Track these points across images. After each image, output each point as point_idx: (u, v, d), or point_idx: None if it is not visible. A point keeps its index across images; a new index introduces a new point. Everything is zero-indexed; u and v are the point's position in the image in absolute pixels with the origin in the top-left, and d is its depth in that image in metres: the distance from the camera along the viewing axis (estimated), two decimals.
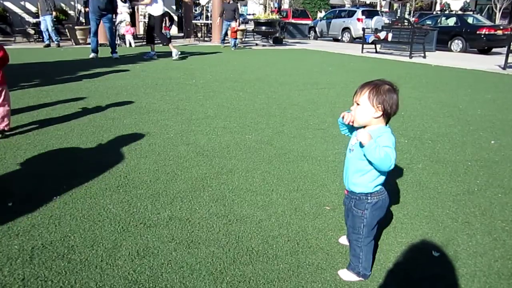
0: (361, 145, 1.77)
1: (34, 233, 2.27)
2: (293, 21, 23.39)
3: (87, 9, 10.62)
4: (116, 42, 13.80)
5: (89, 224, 2.38)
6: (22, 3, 16.34)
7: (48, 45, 12.80)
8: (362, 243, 1.95)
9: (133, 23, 14.52)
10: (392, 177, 3.21)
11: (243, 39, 17.07)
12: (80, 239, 2.22)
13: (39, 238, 2.22)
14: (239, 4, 16.24)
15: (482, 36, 15.19)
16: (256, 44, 16.32)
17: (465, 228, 2.48)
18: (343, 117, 1.92)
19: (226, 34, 14.97)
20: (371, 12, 22.28)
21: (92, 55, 10.05)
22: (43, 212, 2.49)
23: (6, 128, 3.88)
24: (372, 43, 14.36)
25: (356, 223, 1.95)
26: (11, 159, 3.33)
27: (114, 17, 10.88)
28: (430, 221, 2.56)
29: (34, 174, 3.04)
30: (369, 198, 1.89)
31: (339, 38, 21.41)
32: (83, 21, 14.96)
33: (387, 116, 1.85)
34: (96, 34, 10.03)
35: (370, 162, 1.79)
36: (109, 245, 2.18)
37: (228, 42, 14.99)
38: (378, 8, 41.50)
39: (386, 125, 1.87)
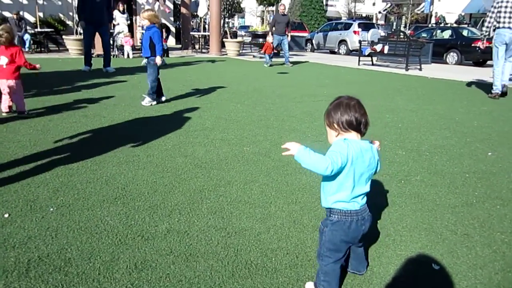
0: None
1: (30, 245, 2.24)
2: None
3: (77, 28, 10.32)
4: (114, 53, 13.91)
5: (86, 237, 2.36)
6: (21, 13, 16.39)
7: None
8: (322, 261, 1.89)
9: (131, 34, 14.59)
10: (391, 189, 3.21)
11: (240, 51, 17.13)
12: (77, 252, 2.20)
13: (35, 251, 2.20)
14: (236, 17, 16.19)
15: (477, 48, 15.32)
16: (254, 56, 16.41)
17: (464, 240, 2.48)
18: None
19: (276, 50, 13.69)
20: (367, 25, 22.48)
21: (85, 67, 9.74)
22: (39, 224, 2.47)
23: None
24: (368, 55, 14.46)
25: (319, 239, 1.92)
26: (8, 170, 3.31)
27: (112, 27, 10.87)
28: (429, 234, 2.55)
29: (31, 185, 3.02)
30: (331, 215, 1.86)
31: (336, 50, 21.58)
32: (82, 31, 15.03)
33: (351, 129, 1.81)
34: (90, 46, 9.87)
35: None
36: (106, 258, 2.15)
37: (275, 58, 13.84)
38: (374, 21, 41.93)
39: (361, 136, 1.85)
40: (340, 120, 1.80)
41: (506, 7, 7.45)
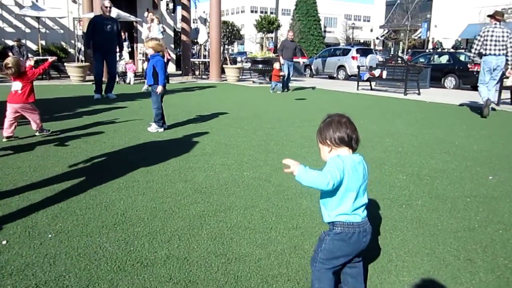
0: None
1: (28, 273, 2.21)
2: None
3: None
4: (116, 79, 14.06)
5: (84, 263, 2.33)
6: (24, 40, 16.67)
7: None
8: (315, 267, 1.93)
9: (132, 60, 14.81)
10: (392, 214, 3.19)
11: (240, 77, 17.32)
12: (75, 279, 2.17)
13: (33, 278, 2.17)
14: (236, 43, 16.25)
15: (475, 73, 15.49)
16: (253, 82, 16.58)
17: (467, 266, 2.45)
18: None
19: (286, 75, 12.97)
20: (365, 50, 22.84)
21: (96, 95, 9.68)
22: (37, 251, 2.45)
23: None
24: (367, 80, 14.59)
25: (317, 245, 1.97)
26: (7, 196, 3.29)
27: (120, 56, 10.94)
28: (431, 259, 2.52)
29: (29, 211, 3.00)
30: (334, 227, 1.93)
31: (335, 75, 21.81)
32: (83, 59, 15.24)
33: (344, 145, 1.92)
34: (102, 73, 9.89)
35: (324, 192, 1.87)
36: (105, 285, 2.12)
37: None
38: (372, 47, 42.55)
39: (352, 152, 1.95)
40: (332, 136, 1.92)
41: (492, 36, 8.28)
